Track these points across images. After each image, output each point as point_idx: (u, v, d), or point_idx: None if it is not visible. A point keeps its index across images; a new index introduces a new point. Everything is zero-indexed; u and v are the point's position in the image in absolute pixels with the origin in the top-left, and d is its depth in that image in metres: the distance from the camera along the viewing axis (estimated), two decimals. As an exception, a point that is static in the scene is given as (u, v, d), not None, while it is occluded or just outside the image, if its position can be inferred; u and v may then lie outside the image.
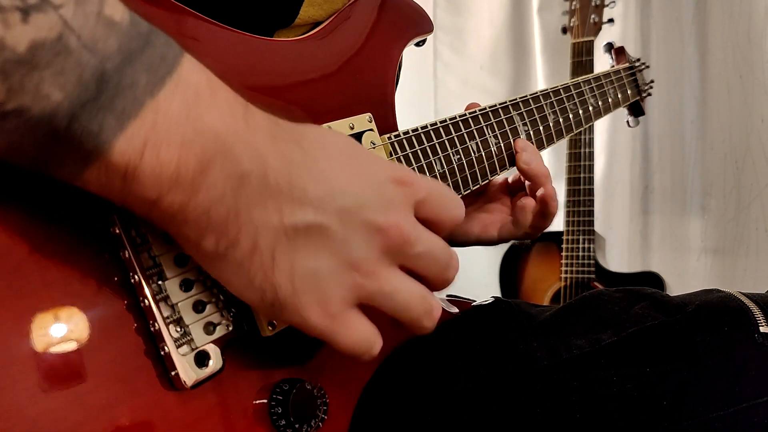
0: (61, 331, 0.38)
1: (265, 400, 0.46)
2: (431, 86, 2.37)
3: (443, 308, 0.63)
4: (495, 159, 0.71)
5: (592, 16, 1.67)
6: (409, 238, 0.42)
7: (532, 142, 0.76)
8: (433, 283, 0.46)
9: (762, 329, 0.57)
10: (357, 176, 0.42)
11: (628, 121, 1.16)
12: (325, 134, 0.44)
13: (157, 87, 0.35)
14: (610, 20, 1.67)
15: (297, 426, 0.46)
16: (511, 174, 0.79)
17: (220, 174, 0.37)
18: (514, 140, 0.73)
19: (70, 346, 0.38)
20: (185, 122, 0.36)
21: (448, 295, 0.67)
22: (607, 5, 1.66)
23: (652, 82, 1.11)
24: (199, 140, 0.36)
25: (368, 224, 0.41)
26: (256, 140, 0.39)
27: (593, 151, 1.71)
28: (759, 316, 0.58)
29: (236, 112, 0.39)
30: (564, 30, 1.73)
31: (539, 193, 0.74)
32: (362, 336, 0.42)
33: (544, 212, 0.75)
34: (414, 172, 0.45)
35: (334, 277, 0.40)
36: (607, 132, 2.02)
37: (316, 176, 0.40)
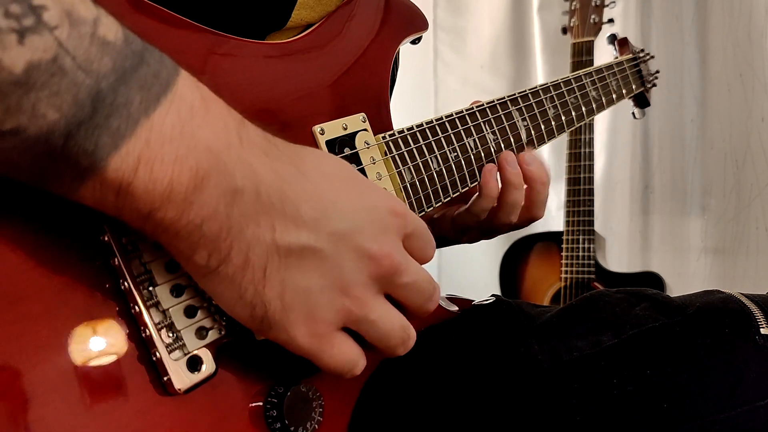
0: (52, 338, 0.37)
1: (260, 404, 0.46)
2: (431, 86, 2.37)
3: (443, 307, 0.63)
4: (494, 156, 0.70)
5: (592, 16, 1.67)
6: (399, 268, 0.44)
7: (531, 138, 0.75)
8: (414, 312, 0.47)
9: (763, 331, 0.56)
10: (353, 202, 0.43)
11: (633, 113, 1.15)
12: (323, 158, 0.45)
13: (152, 105, 0.36)
14: (610, 20, 1.66)
15: (292, 429, 0.46)
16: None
17: (213, 190, 0.37)
18: (497, 155, 0.71)
19: (61, 353, 0.37)
20: (179, 139, 0.36)
21: (447, 295, 0.67)
22: (607, 5, 1.66)
23: (657, 72, 1.10)
24: (193, 156, 0.36)
25: (361, 250, 0.42)
26: (250, 157, 0.39)
27: (593, 151, 1.71)
28: (760, 317, 0.57)
29: (230, 128, 0.39)
30: (564, 30, 1.72)
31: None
32: (346, 357, 0.43)
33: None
34: (406, 206, 0.47)
35: (324, 298, 0.41)
36: (607, 132, 2.02)
37: (311, 196, 0.41)
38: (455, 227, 0.76)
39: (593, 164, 1.70)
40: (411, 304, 0.46)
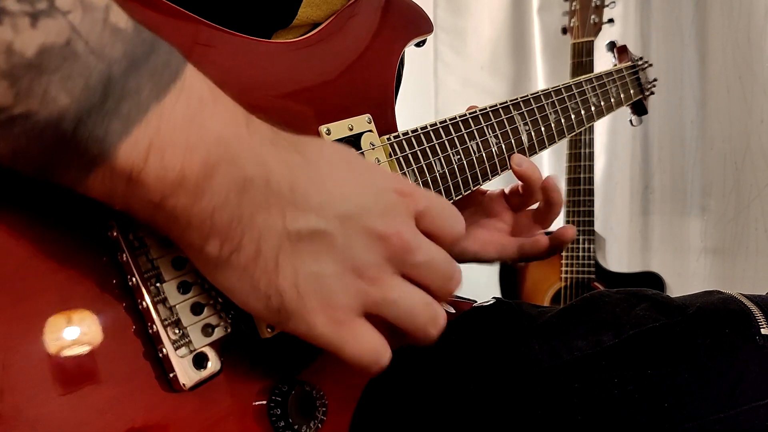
0: (59, 334, 0.37)
1: (264, 402, 0.46)
2: (432, 86, 2.37)
3: (444, 308, 0.63)
4: (496, 159, 0.71)
5: (592, 16, 1.67)
6: (411, 246, 0.42)
7: (533, 142, 0.76)
8: (435, 293, 0.45)
9: (763, 331, 0.57)
10: (357, 184, 0.42)
11: (631, 120, 1.16)
12: (325, 145, 0.44)
13: (162, 93, 0.36)
14: (610, 20, 1.67)
15: (296, 427, 0.46)
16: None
17: (224, 179, 0.37)
18: (509, 156, 0.73)
19: (69, 349, 0.38)
20: (189, 127, 0.36)
21: (448, 296, 0.67)
22: (607, 5, 1.66)
23: (655, 80, 1.10)
24: (204, 145, 0.36)
25: (370, 231, 0.41)
26: (258, 147, 0.39)
27: (593, 152, 1.71)
28: (760, 317, 0.57)
29: (238, 120, 0.39)
30: (564, 30, 1.72)
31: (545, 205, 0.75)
32: (371, 346, 0.42)
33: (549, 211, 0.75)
34: (414, 184, 0.46)
35: (339, 283, 0.40)
36: (607, 132, 2.02)
37: (317, 182, 0.40)
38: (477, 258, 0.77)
39: (593, 164, 1.70)
40: (431, 285, 0.44)
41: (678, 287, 1.73)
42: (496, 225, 0.78)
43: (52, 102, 0.32)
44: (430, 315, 0.44)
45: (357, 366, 0.42)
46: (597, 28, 1.67)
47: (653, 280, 1.67)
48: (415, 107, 2.32)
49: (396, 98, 0.77)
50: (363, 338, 0.41)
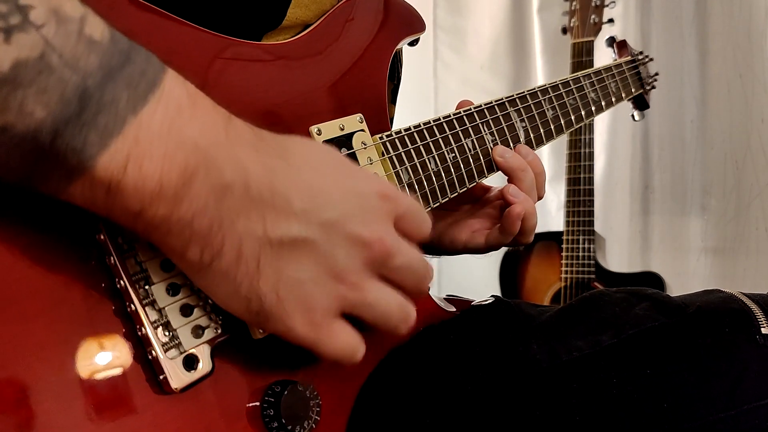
0: (48, 337, 0.37)
1: (257, 403, 0.46)
2: (431, 86, 2.37)
3: (441, 307, 0.63)
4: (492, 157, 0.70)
5: (592, 16, 1.67)
6: (391, 251, 0.44)
7: (530, 138, 0.75)
8: (409, 292, 0.47)
9: (763, 330, 0.56)
10: (342, 189, 0.43)
11: (633, 115, 1.15)
12: (310, 147, 0.45)
13: (140, 103, 0.36)
14: (610, 20, 1.67)
15: (289, 428, 0.46)
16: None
17: (202, 186, 0.38)
18: (492, 148, 0.71)
19: (57, 352, 0.37)
20: (167, 136, 0.36)
21: (447, 295, 0.67)
22: (607, 5, 1.66)
23: (656, 74, 1.10)
24: (181, 153, 0.37)
25: (353, 237, 0.42)
26: (238, 151, 0.39)
27: (593, 151, 1.71)
28: (760, 317, 0.57)
29: (217, 124, 0.39)
30: (564, 30, 1.72)
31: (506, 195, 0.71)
32: (346, 344, 0.43)
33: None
34: (396, 188, 0.46)
35: (319, 288, 0.41)
36: (607, 132, 2.02)
37: (300, 187, 0.41)
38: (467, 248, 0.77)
39: (593, 164, 1.70)
40: (406, 285, 0.46)
41: (678, 287, 1.72)
42: (488, 213, 0.78)
43: (28, 115, 0.33)
44: (402, 316, 0.46)
45: (332, 361, 0.44)
46: (597, 28, 1.67)
47: (653, 280, 1.67)
48: (415, 107, 2.32)
49: (396, 98, 0.77)
50: (339, 338, 0.43)
